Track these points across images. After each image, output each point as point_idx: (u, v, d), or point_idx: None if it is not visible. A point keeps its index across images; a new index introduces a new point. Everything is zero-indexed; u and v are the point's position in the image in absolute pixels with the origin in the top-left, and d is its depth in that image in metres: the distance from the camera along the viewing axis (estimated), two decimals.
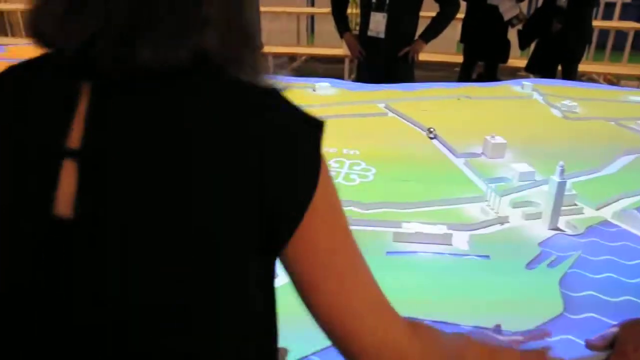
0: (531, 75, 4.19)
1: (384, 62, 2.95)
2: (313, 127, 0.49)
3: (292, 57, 6.98)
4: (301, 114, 0.49)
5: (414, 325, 0.56)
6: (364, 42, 2.98)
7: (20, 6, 7.12)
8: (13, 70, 0.52)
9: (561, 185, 1.24)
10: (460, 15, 4.10)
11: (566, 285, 1.09)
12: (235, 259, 0.47)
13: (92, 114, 0.46)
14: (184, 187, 0.45)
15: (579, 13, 3.60)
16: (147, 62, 0.44)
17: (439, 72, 5.27)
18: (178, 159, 0.45)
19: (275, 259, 0.51)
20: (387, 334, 0.52)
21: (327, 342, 0.52)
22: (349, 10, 3.32)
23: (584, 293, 1.06)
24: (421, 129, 1.96)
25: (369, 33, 2.93)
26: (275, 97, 0.49)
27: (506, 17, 3.69)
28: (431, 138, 1.86)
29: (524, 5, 4.19)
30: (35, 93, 0.49)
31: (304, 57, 7.16)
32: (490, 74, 3.93)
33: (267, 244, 0.48)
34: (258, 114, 0.47)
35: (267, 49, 6.33)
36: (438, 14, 3.00)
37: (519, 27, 3.82)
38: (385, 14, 2.84)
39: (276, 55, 6.31)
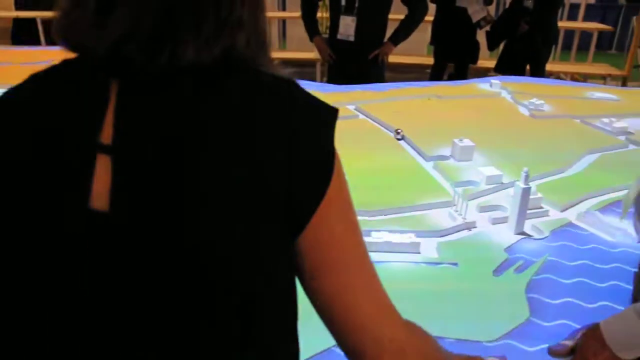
0: (500, 76, 4.27)
1: (354, 64, 2.96)
2: (332, 114, 0.51)
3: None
4: (322, 102, 0.52)
5: (411, 324, 0.57)
6: (333, 45, 2.98)
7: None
8: (46, 71, 0.53)
9: (525, 191, 1.26)
10: (430, 17, 4.14)
11: (535, 290, 1.10)
12: (272, 246, 0.49)
13: (122, 111, 0.47)
14: (220, 179, 0.46)
15: (544, 14, 3.67)
16: (187, 61, 0.46)
17: (410, 74, 5.31)
18: (211, 151, 0.46)
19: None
20: (387, 328, 0.53)
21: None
22: (319, 14, 3.31)
23: (557, 301, 1.08)
24: (390, 131, 1.96)
25: (339, 36, 2.93)
26: (298, 87, 0.52)
27: (474, 19, 3.74)
28: (398, 139, 1.87)
29: (492, 8, 4.25)
30: (67, 91, 0.50)
31: (275, 62, 7.11)
32: (461, 75, 3.98)
33: (288, 229, 0.49)
34: (293, 106, 0.50)
35: None
36: (406, 16, 3.02)
37: (487, 28, 3.89)
38: (354, 17, 2.85)
39: None
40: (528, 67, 3.90)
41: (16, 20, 6.81)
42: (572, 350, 0.96)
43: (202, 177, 0.46)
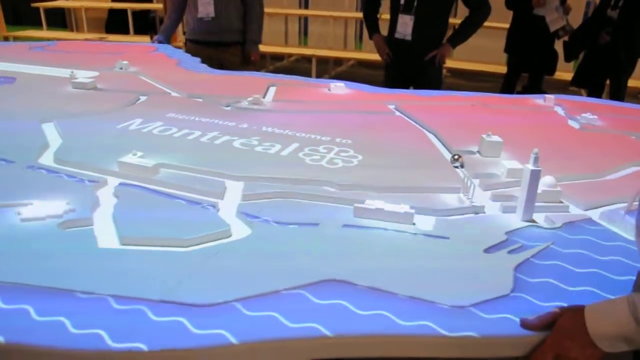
0: (582, 91, 4.03)
1: (410, 65, 2.94)
2: None
3: (338, 61, 7.08)
4: None
5: None
6: (391, 44, 2.99)
7: (84, 3, 7.62)
8: None
9: (534, 174, 1.19)
10: (506, 24, 4.02)
11: (524, 272, 1.03)
12: None
13: None
14: None
15: (629, 24, 3.42)
16: None
17: (486, 83, 5.16)
18: None
19: None
20: None
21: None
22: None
23: (540, 279, 1.01)
24: (425, 129, 1.93)
25: (396, 35, 2.94)
26: None
27: (552, 28, 3.60)
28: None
29: (575, 17, 4.06)
30: None
31: (350, 62, 7.24)
32: (535, 86, 3.82)
33: None
34: None
35: (312, 51, 6.49)
36: (467, 18, 2.97)
37: (565, 38, 3.71)
38: (412, 17, 2.84)
39: (321, 59, 6.45)
40: (608, 81, 3.66)
41: (110, 11, 7.49)
42: (546, 327, 0.90)
43: None
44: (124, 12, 7.37)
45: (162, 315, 0.85)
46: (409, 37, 2.88)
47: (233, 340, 0.81)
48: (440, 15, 2.91)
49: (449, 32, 2.99)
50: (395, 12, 2.95)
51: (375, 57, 3.16)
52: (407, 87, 2.94)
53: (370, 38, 3.16)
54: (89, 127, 1.75)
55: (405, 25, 2.87)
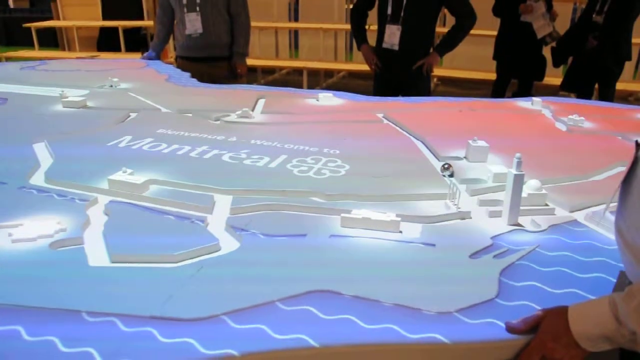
0: (572, 96, 4.05)
1: (398, 74, 2.96)
2: None
3: (329, 73, 7.12)
4: None
5: None
6: (379, 54, 3.02)
7: (76, 22, 7.67)
8: None
9: (518, 178, 1.21)
10: (494, 32, 4.06)
11: (509, 276, 1.05)
12: None
13: None
14: None
15: (616, 28, 3.46)
16: None
17: (478, 90, 5.19)
18: None
19: None
20: None
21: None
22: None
23: (525, 283, 1.03)
24: (413, 136, 1.95)
25: (384, 45, 2.97)
26: None
27: (539, 34, 3.64)
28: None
29: (562, 23, 4.10)
30: None
31: (341, 74, 7.28)
32: (525, 92, 3.85)
33: None
34: None
35: (303, 64, 6.54)
36: (453, 26, 3.00)
37: (553, 44, 3.76)
38: (399, 27, 2.88)
39: (313, 71, 6.50)
40: (597, 85, 3.69)
41: (102, 30, 7.56)
42: (531, 329, 0.91)
43: None
44: (115, 30, 7.41)
45: (164, 334, 0.86)
46: (396, 47, 2.92)
47: (235, 353, 0.82)
48: (426, 25, 2.94)
49: (437, 41, 3.02)
50: (382, 22, 2.98)
51: (366, 67, 3.19)
52: (396, 96, 2.97)
53: (359, 49, 3.19)
54: (79, 146, 1.76)
55: (393, 35, 2.90)
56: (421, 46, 2.94)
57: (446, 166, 1.56)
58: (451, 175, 1.52)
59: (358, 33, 3.20)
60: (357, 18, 3.20)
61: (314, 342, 0.85)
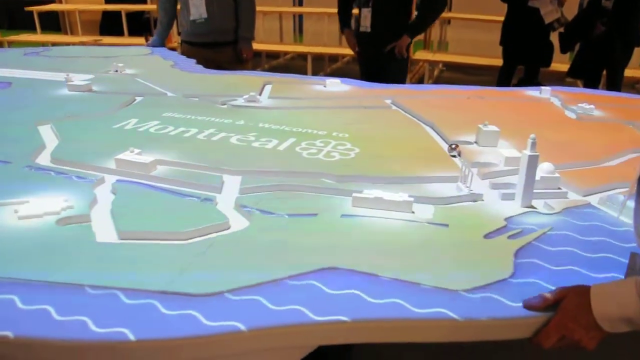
0: (579, 82, 4.01)
1: (373, 56, 3.01)
2: None
3: (333, 58, 7.09)
4: None
5: None
6: (357, 37, 3.08)
7: (78, 6, 7.62)
8: None
9: (532, 159, 1.19)
10: (501, 17, 4.01)
11: (525, 255, 1.03)
12: None
13: None
14: None
15: (624, 15, 3.41)
16: None
17: (483, 77, 5.13)
18: None
19: None
20: None
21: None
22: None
23: (540, 262, 1.01)
24: (422, 122, 1.93)
25: (360, 29, 3.04)
26: None
27: (547, 20, 3.59)
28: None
29: (570, 9, 4.04)
30: None
31: (346, 59, 7.25)
32: (531, 79, 3.80)
33: None
34: None
35: (308, 49, 6.49)
36: (422, 7, 3.03)
37: (560, 30, 3.71)
38: (370, 9, 2.94)
39: (317, 56, 6.49)
40: (605, 72, 3.65)
41: (104, 13, 7.52)
42: (549, 307, 0.89)
43: None
44: (117, 14, 7.35)
45: (168, 307, 0.85)
46: (368, 30, 2.97)
47: (242, 327, 0.81)
48: (398, 8, 2.97)
49: None
50: (359, 6, 3.06)
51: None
52: (376, 79, 2.96)
53: (342, 32, 3.28)
54: (85, 128, 1.74)
55: (365, 18, 2.98)
56: (392, 29, 2.97)
57: (453, 146, 1.55)
58: (459, 155, 1.52)
59: (342, 17, 3.28)
60: (343, 2, 3.26)
61: (315, 316, 0.84)
